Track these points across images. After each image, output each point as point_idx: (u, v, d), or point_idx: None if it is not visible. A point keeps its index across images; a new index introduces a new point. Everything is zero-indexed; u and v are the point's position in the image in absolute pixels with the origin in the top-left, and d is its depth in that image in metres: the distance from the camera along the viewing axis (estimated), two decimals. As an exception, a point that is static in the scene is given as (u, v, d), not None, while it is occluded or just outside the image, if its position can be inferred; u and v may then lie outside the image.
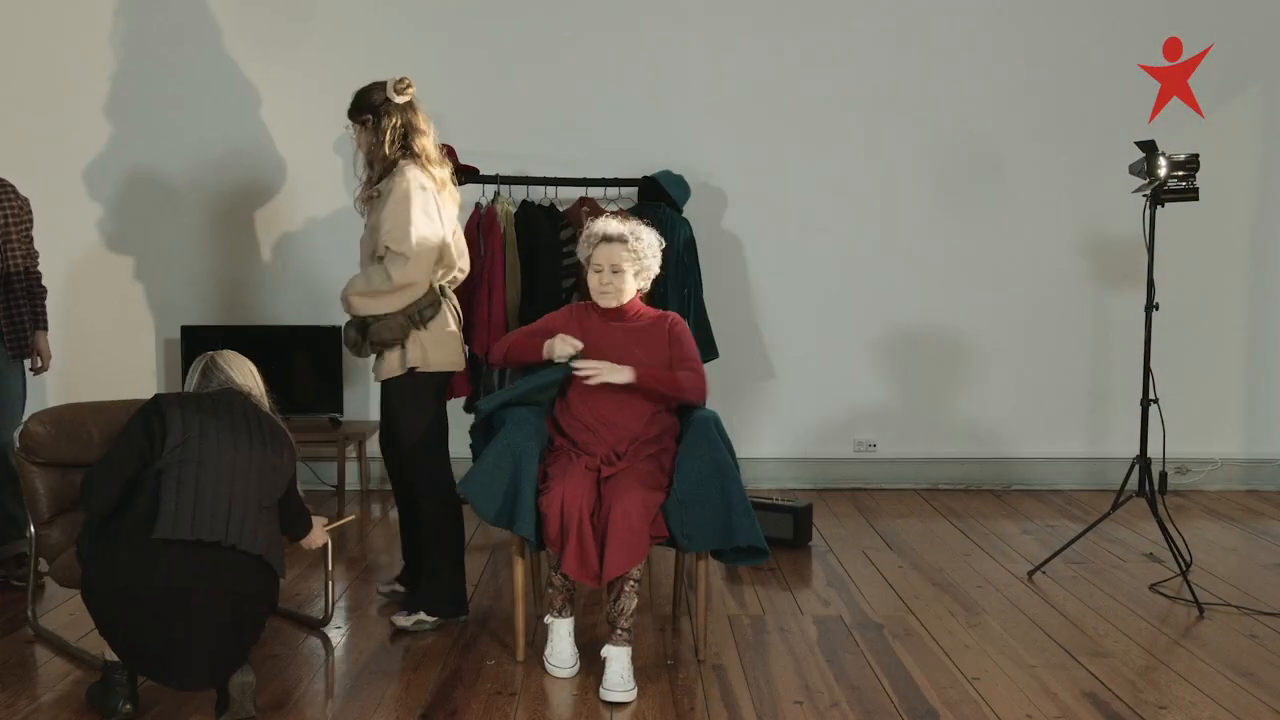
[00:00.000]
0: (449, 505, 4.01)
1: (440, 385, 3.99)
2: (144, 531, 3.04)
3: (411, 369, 3.87)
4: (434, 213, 3.80)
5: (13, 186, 4.41)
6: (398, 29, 5.93)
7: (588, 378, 3.65)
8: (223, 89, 5.92)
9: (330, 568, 3.98)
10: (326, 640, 3.88)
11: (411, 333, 3.84)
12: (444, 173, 3.92)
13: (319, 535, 3.71)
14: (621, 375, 3.65)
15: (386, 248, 3.77)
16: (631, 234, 3.73)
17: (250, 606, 3.15)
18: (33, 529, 3.80)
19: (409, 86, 3.90)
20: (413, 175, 3.80)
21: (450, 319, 3.93)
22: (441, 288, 3.94)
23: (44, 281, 4.55)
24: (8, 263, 4.34)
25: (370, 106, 3.90)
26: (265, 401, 3.48)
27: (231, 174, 5.98)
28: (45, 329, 4.52)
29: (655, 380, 3.68)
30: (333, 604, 4.02)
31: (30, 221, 4.46)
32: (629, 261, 3.71)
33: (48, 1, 5.85)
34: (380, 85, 3.92)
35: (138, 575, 3.01)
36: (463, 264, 4.08)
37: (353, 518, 4.02)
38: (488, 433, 3.78)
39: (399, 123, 3.86)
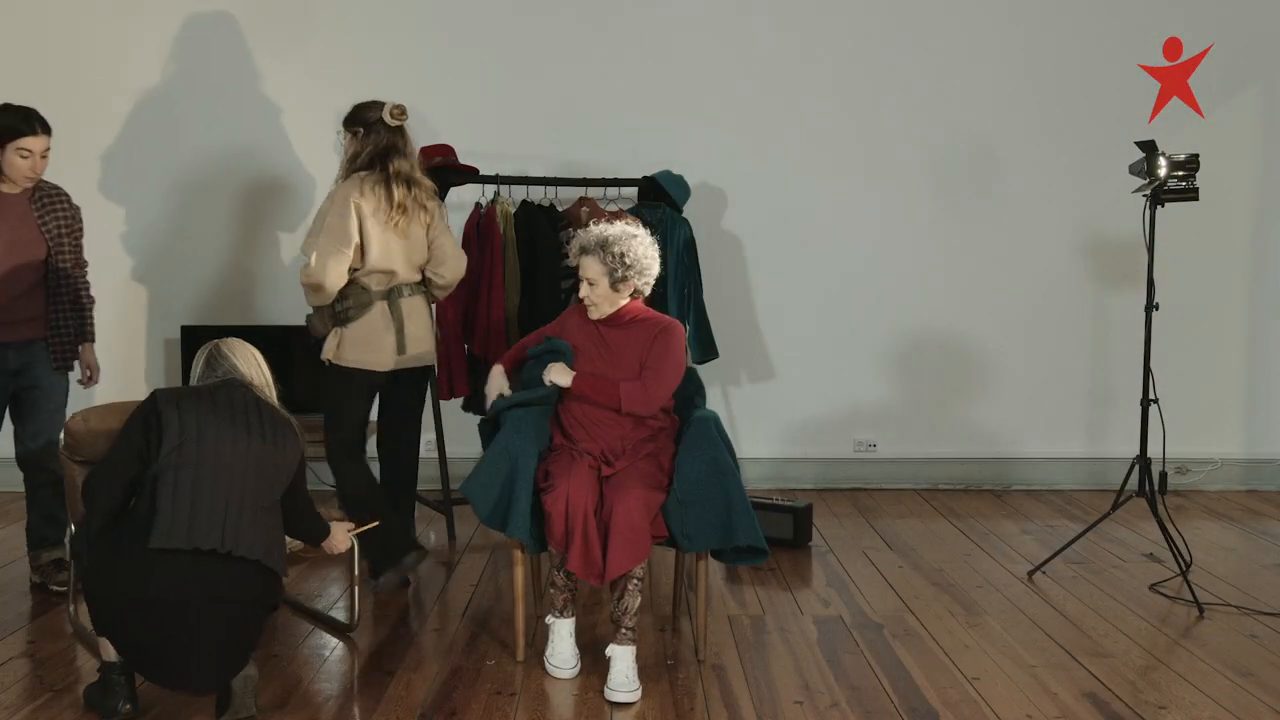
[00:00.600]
0: (357, 490, 4.27)
1: (360, 383, 4.24)
2: (142, 539, 3.02)
3: (327, 360, 4.21)
4: (350, 226, 4.08)
5: (67, 195, 4.38)
6: (400, 30, 5.94)
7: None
8: (224, 90, 5.92)
9: (356, 573, 3.98)
10: (328, 640, 3.88)
11: (335, 328, 4.21)
12: (409, 193, 4.16)
13: (342, 540, 3.69)
14: (564, 379, 3.70)
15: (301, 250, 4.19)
16: (602, 245, 3.66)
17: (253, 610, 3.14)
18: (72, 526, 3.82)
19: (404, 114, 4.20)
20: (346, 189, 4.12)
21: (379, 322, 4.19)
22: (396, 289, 4.22)
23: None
24: (58, 272, 4.30)
25: (364, 122, 4.20)
26: (270, 391, 3.41)
27: (232, 174, 5.98)
28: (92, 340, 4.47)
29: (591, 389, 3.67)
30: (358, 610, 4.00)
31: (81, 231, 4.42)
32: (603, 274, 3.66)
33: (41, 2, 5.86)
34: (378, 105, 4.21)
35: (137, 583, 3.00)
36: (441, 271, 4.35)
37: (377, 524, 4.03)
38: (492, 433, 3.78)
39: (384, 144, 4.16)
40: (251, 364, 3.42)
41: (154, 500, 3.06)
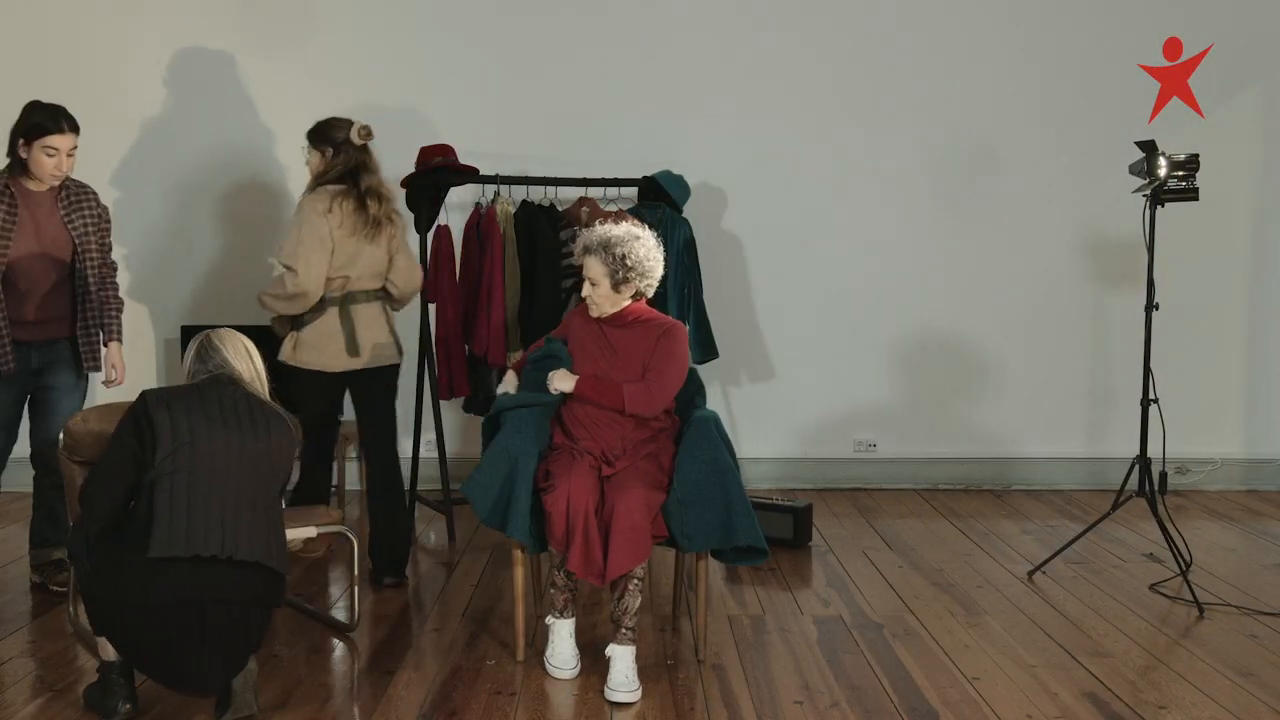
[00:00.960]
0: (304, 494, 4.51)
1: (312, 383, 4.40)
2: (142, 546, 3.00)
3: (281, 361, 4.38)
4: (323, 236, 4.27)
5: (94, 194, 4.35)
6: (400, 30, 5.94)
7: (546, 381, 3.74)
8: (224, 90, 5.92)
9: (356, 573, 3.99)
10: (328, 640, 3.88)
11: (290, 331, 4.41)
12: (380, 207, 4.38)
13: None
14: (567, 384, 3.70)
15: (282, 263, 4.31)
16: (605, 246, 3.65)
17: (255, 610, 3.14)
18: (72, 525, 3.82)
19: (370, 135, 4.40)
20: (315, 201, 4.31)
21: (331, 326, 4.36)
22: (350, 295, 4.38)
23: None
24: (85, 271, 4.26)
25: (333, 141, 4.40)
26: (261, 384, 3.35)
27: (232, 174, 5.98)
28: (119, 340, 4.41)
29: (594, 391, 3.67)
30: (358, 610, 4.01)
31: (108, 230, 4.38)
32: (604, 274, 3.66)
33: (41, 2, 5.86)
34: (345, 124, 4.40)
35: (139, 588, 2.98)
36: (396, 281, 4.50)
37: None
38: (494, 432, 3.78)
39: (353, 162, 4.37)
40: (242, 356, 3.35)
41: (151, 508, 3.03)
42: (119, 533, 3.10)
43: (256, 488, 3.19)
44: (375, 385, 4.50)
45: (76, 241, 4.23)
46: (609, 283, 3.66)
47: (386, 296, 4.54)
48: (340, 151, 4.37)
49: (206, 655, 3.03)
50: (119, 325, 4.41)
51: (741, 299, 6.11)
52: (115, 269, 4.44)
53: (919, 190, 6.10)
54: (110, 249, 4.41)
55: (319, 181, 4.40)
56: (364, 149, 4.40)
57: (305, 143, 4.46)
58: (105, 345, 4.38)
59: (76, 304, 4.27)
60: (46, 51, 5.87)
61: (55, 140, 4.08)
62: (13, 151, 4.13)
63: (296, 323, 4.40)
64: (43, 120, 4.08)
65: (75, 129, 4.14)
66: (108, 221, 4.38)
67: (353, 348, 4.40)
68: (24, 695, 3.39)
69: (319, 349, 4.37)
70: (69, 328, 4.28)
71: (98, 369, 4.36)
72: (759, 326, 6.14)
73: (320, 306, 4.36)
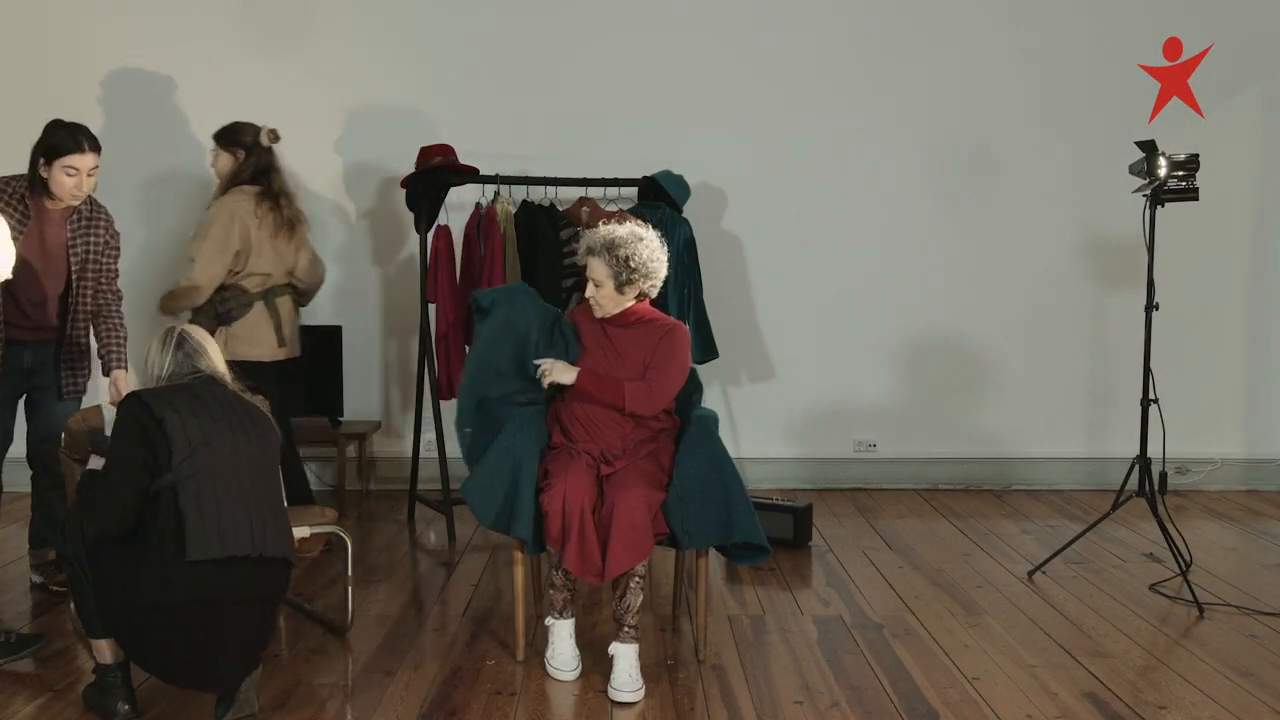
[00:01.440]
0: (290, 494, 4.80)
1: (246, 377, 4.35)
2: (170, 550, 2.97)
3: None
4: (232, 236, 4.58)
5: (108, 219, 4.27)
6: (400, 30, 5.94)
7: (544, 374, 3.70)
8: (224, 90, 5.91)
9: (350, 573, 3.98)
10: (328, 641, 3.88)
11: (219, 328, 4.62)
12: (290, 206, 4.73)
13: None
14: (568, 376, 3.67)
15: (187, 253, 4.62)
16: (608, 248, 3.64)
17: (270, 606, 3.16)
18: (65, 528, 3.81)
19: (277, 138, 4.73)
20: (233, 203, 4.61)
21: (261, 319, 4.69)
22: (272, 290, 4.72)
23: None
24: (79, 298, 4.20)
25: (244, 144, 4.70)
26: (230, 379, 3.33)
27: (231, 174, 5.97)
28: (125, 369, 4.28)
29: (595, 386, 3.66)
30: (352, 610, 4.00)
31: (115, 256, 4.30)
32: (608, 276, 3.65)
33: (41, 2, 5.86)
34: (254, 128, 4.69)
35: (163, 589, 2.97)
36: (300, 276, 4.86)
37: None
38: (489, 428, 3.76)
39: (264, 163, 4.69)
40: (219, 354, 3.37)
41: (178, 512, 2.99)
42: (135, 538, 3.06)
43: (265, 484, 3.20)
44: (288, 377, 4.84)
45: (74, 268, 4.18)
46: (613, 284, 3.66)
47: (294, 291, 4.87)
48: (251, 153, 4.68)
49: (228, 651, 3.03)
50: (122, 354, 4.30)
51: (741, 299, 6.11)
52: (120, 297, 4.35)
53: (919, 190, 6.10)
54: (116, 275, 4.32)
55: (233, 182, 4.66)
56: (270, 150, 4.70)
57: (213, 145, 4.75)
58: (109, 373, 4.27)
59: (66, 325, 4.22)
60: (46, 51, 5.87)
61: (75, 160, 4.01)
62: (33, 170, 4.07)
63: (224, 318, 4.65)
64: (63, 140, 4.01)
65: (96, 148, 4.07)
66: (116, 248, 4.30)
67: (281, 338, 4.75)
68: (24, 695, 3.39)
69: (253, 341, 4.67)
70: (59, 338, 4.25)
71: (77, 394, 4.30)
72: (759, 326, 6.14)
73: (247, 301, 4.67)
